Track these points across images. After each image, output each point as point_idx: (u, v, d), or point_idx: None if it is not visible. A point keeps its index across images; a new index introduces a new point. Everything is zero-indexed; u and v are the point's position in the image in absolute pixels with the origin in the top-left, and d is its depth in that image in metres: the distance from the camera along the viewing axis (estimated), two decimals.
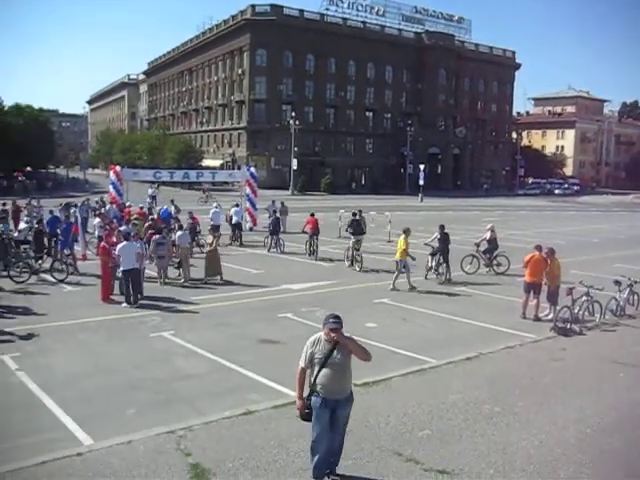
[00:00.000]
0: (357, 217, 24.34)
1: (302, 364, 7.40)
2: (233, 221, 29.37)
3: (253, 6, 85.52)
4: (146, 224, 23.81)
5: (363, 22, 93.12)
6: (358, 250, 23.16)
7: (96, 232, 24.21)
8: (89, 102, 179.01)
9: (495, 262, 22.73)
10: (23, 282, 19.12)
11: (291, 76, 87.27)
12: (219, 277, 20.21)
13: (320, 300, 17.78)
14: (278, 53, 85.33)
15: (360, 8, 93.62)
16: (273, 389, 10.77)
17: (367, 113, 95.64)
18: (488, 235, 22.51)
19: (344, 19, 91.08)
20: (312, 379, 7.26)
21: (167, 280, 19.78)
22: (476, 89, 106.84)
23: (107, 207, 28.89)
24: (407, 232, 19.71)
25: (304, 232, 26.79)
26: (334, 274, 22.11)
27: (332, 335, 7.06)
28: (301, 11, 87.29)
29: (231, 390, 10.76)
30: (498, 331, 14.89)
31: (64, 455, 8.01)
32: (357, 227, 23.65)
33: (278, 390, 10.67)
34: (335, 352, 7.15)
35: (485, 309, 17.20)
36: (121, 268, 16.83)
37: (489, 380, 11.31)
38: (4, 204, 28.77)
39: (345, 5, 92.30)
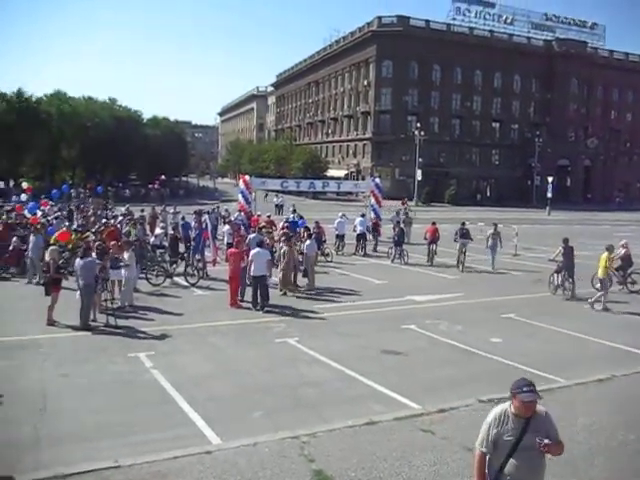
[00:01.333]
0: (464, 226, 26.98)
1: (482, 448, 5.47)
2: (358, 231, 29.53)
3: (379, 18, 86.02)
4: (280, 232, 24.18)
5: (490, 31, 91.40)
6: (464, 253, 25.77)
7: (225, 239, 25.04)
8: (220, 114, 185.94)
9: (629, 280, 21.55)
10: (159, 285, 20.13)
11: (416, 87, 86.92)
12: (290, 291, 19.83)
13: (444, 313, 17.54)
14: (404, 64, 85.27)
15: (487, 17, 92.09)
16: (396, 400, 10.71)
17: (493, 123, 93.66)
18: (622, 252, 21.37)
19: (471, 28, 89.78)
20: (496, 468, 5.40)
21: (292, 287, 20.17)
22: (610, 98, 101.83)
23: (236, 215, 29.80)
24: (610, 249, 19.17)
25: (424, 239, 27.92)
26: (458, 286, 21.76)
27: (527, 411, 5.30)
28: (427, 21, 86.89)
29: (354, 399, 10.80)
30: (631, 353, 14.09)
31: (195, 452, 8.33)
32: (464, 234, 26.31)
33: (401, 402, 10.61)
34: (529, 433, 5.28)
35: (616, 328, 16.26)
36: (251, 274, 17.35)
37: (622, 405, 10.69)
38: (142, 210, 30.38)
39: (472, 14, 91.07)
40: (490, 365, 12.91)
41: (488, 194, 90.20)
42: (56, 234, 21.19)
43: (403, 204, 49.19)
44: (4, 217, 25.49)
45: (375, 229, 31.86)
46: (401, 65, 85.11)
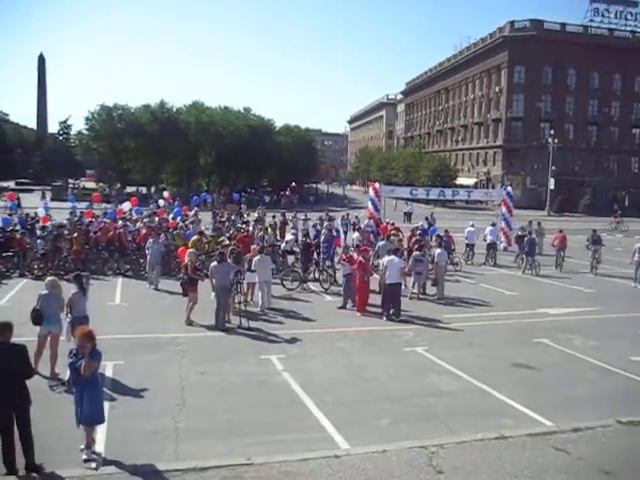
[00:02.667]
0: (596, 232, 28.51)
1: None
2: (488, 240, 28.91)
3: (512, 22, 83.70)
4: (413, 239, 24.07)
5: (632, 32, 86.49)
6: (597, 259, 27.08)
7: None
8: (349, 121, 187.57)
9: None
10: (292, 290, 20.60)
11: (550, 92, 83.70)
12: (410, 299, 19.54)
13: (579, 327, 16.84)
14: (537, 69, 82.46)
15: (629, 17, 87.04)
16: (528, 416, 10.42)
17: (633, 130, 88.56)
18: None
19: (610, 30, 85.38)
20: None
21: (422, 296, 20.06)
22: None
23: (366, 222, 29.95)
24: None
25: (552, 245, 28.80)
26: (594, 300, 20.80)
27: None
28: (563, 24, 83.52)
29: (484, 412, 10.60)
30: None
31: (324, 455, 8.49)
32: (596, 240, 27.74)
33: (532, 417, 10.33)
34: None
35: None
36: (386, 281, 17.41)
37: None
38: (274, 216, 31.21)
39: (612, 15, 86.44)
40: (630, 385, 12.27)
41: (626, 204, 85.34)
42: (192, 239, 22.19)
43: (615, 217, 48.51)
44: (146, 221, 27.01)
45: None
46: (534, 70, 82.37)
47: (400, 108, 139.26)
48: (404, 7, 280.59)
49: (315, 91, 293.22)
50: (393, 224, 29.65)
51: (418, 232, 25.78)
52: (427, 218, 32.27)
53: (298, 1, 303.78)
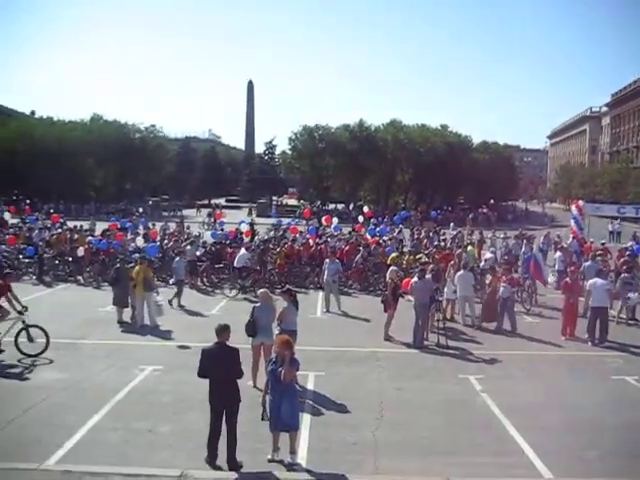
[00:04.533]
0: None
1: None
2: None
3: None
4: (621, 260, 22.65)
5: None
6: None
7: (556, 265, 24.15)
8: (549, 137, 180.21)
9: None
10: None
11: None
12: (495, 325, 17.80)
13: None
14: None
15: None
16: None
17: None
18: None
19: None
20: None
21: (631, 321, 18.78)
22: None
23: (569, 241, 28.59)
24: None
25: None
26: None
27: None
28: None
29: None
30: None
31: None
32: None
33: None
34: None
35: None
36: (590, 304, 16.57)
37: None
38: (471, 233, 30.81)
39: None
40: None
41: None
42: (391, 255, 22.55)
43: None
44: (347, 236, 27.90)
45: None
46: None
47: (605, 121, 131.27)
48: (603, 15, 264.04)
49: (513, 106, 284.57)
50: (603, 244, 27.95)
51: (627, 253, 24.14)
52: (635, 237, 30.04)
53: (488, 16, 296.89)
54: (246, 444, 9.21)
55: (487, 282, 18.71)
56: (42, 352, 14.01)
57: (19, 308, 14.55)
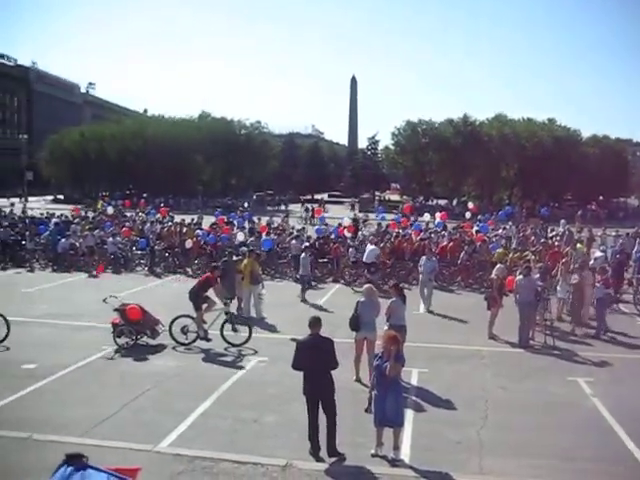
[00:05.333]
0: None
1: None
2: None
3: None
4: None
5: None
6: None
7: None
8: None
9: None
10: None
11: None
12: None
13: None
14: None
15: None
16: None
17: None
18: None
19: None
20: None
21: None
22: None
23: None
24: None
25: None
26: None
27: None
28: None
29: None
30: None
31: None
32: None
33: None
34: None
35: None
36: None
37: None
38: (580, 231, 29.74)
39: None
40: None
41: None
42: (497, 252, 22.13)
43: None
44: (451, 232, 27.63)
45: None
46: None
47: None
48: None
49: (626, 99, 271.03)
50: None
51: None
52: None
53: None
54: (349, 438, 9.34)
55: (574, 282, 17.39)
56: (245, 342, 14.62)
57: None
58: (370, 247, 22.67)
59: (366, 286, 13.05)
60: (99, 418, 10.29)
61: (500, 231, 30.00)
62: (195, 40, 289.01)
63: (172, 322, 14.83)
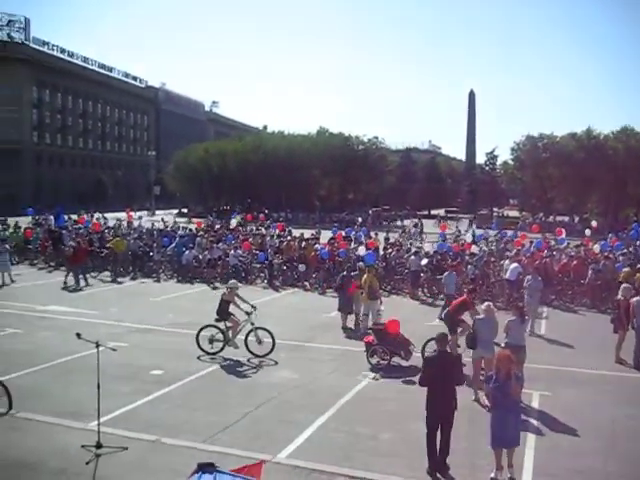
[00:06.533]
0: None
1: None
2: None
3: None
4: None
5: None
6: None
7: None
8: None
9: None
10: None
11: None
12: None
13: None
14: None
15: None
16: None
17: None
18: None
19: None
20: None
21: None
22: None
23: None
24: None
25: None
26: None
27: None
28: None
29: None
30: None
31: None
32: None
33: None
34: None
35: None
36: None
37: None
38: None
39: None
40: None
41: None
42: (624, 270, 21.20)
43: None
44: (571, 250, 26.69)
45: None
46: None
47: None
48: None
49: None
50: None
51: None
52: None
53: None
54: (465, 459, 9.24)
55: None
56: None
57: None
58: (513, 265, 22.15)
59: (485, 304, 12.84)
60: (221, 425, 10.67)
61: (630, 249, 28.57)
62: (312, 61, 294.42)
63: None
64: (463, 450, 9.42)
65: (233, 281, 17.01)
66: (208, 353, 15.10)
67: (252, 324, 15.38)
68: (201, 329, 15.38)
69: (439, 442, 9.01)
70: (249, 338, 15.27)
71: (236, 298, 15.72)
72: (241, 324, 15.46)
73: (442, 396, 8.97)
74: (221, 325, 15.37)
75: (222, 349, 15.16)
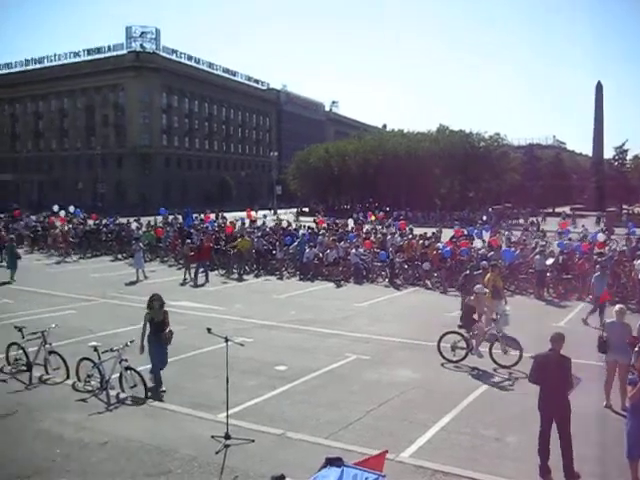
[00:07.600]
0: None
1: None
2: None
3: None
4: None
5: None
6: None
7: None
8: None
9: None
10: None
11: None
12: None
13: None
14: None
15: None
16: None
17: None
18: None
19: None
20: None
21: None
22: None
23: None
24: None
25: None
26: None
27: None
28: None
29: None
30: None
31: None
32: None
33: None
34: None
35: None
36: None
37: None
38: None
39: None
40: None
41: None
42: None
43: None
44: None
45: None
46: None
47: None
48: None
49: None
50: None
51: None
52: None
53: None
54: (592, 468, 8.85)
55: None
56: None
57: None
58: None
59: (617, 306, 12.21)
60: (344, 422, 10.76)
61: None
62: (430, 60, 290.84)
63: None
64: (594, 458, 9.02)
65: (479, 286, 15.89)
66: (450, 361, 14.46)
67: (498, 332, 14.47)
68: (443, 335, 14.74)
69: (559, 446, 8.71)
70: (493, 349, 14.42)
71: (485, 304, 15.13)
72: (486, 332, 14.59)
73: (551, 396, 8.78)
74: (464, 332, 14.61)
75: (464, 357, 14.45)
